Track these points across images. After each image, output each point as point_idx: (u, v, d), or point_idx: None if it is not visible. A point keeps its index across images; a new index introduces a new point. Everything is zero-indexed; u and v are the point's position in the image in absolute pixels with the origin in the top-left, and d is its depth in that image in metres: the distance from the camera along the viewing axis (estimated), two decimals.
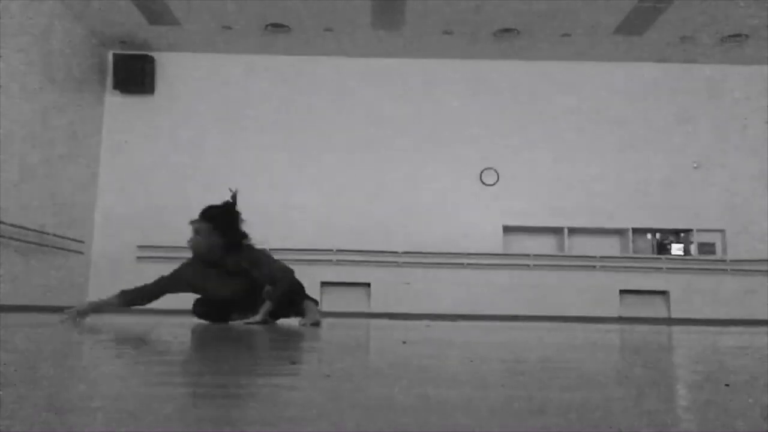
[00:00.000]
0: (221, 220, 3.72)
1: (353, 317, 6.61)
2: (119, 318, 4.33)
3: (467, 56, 8.14)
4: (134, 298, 3.76)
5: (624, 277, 7.88)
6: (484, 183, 8.13)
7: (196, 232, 3.74)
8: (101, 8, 7.04)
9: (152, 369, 1.42)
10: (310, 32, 7.57)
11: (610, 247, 8.12)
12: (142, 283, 3.83)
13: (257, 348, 2.22)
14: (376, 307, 7.72)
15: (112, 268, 7.74)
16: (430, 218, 7.95)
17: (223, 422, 0.78)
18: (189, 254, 3.88)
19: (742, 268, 7.86)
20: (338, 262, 7.82)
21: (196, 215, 3.80)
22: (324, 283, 7.80)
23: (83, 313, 3.66)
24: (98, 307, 3.81)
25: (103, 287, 7.75)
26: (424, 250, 7.84)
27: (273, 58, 8.25)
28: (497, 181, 8.12)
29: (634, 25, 7.20)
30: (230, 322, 3.79)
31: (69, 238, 7.21)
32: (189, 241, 3.77)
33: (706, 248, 7.95)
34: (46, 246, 6.78)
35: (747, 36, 7.40)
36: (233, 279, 3.75)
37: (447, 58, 8.19)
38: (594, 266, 7.91)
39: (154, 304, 3.88)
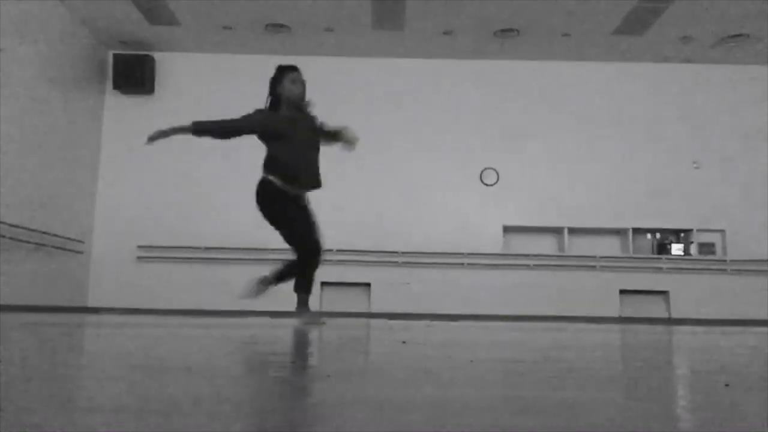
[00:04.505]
0: None
1: (353, 317, 6.61)
2: (115, 318, 4.33)
3: (467, 56, 8.14)
4: (209, 128, 3.94)
5: (624, 277, 7.88)
6: (484, 183, 8.12)
7: (298, 80, 4.18)
8: (101, 8, 7.05)
9: (151, 371, 1.42)
10: (310, 32, 7.57)
11: (610, 247, 8.12)
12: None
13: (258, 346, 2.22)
14: (376, 307, 7.72)
15: (112, 268, 7.75)
16: (430, 218, 7.95)
17: (221, 423, 0.78)
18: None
19: (742, 268, 7.85)
20: (338, 262, 7.81)
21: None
22: (324, 283, 7.81)
23: (153, 138, 3.85)
24: (167, 133, 3.93)
25: (103, 287, 7.79)
26: (424, 250, 7.84)
27: (273, 58, 8.22)
28: (497, 181, 8.12)
29: (634, 25, 7.20)
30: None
31: (69, 238, 7.21)
32: (294, 84, 4.13)
33: (706, 248, 7.95)
34: (46, 246, 6.78)
35: (747, 36, 7.40)
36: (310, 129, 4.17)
37: (447, 58, 8.19)
38: (594, 266, 7.91)
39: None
